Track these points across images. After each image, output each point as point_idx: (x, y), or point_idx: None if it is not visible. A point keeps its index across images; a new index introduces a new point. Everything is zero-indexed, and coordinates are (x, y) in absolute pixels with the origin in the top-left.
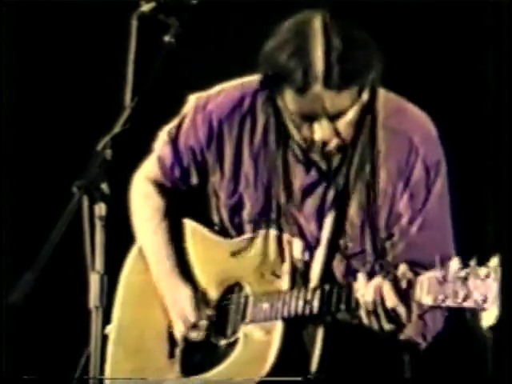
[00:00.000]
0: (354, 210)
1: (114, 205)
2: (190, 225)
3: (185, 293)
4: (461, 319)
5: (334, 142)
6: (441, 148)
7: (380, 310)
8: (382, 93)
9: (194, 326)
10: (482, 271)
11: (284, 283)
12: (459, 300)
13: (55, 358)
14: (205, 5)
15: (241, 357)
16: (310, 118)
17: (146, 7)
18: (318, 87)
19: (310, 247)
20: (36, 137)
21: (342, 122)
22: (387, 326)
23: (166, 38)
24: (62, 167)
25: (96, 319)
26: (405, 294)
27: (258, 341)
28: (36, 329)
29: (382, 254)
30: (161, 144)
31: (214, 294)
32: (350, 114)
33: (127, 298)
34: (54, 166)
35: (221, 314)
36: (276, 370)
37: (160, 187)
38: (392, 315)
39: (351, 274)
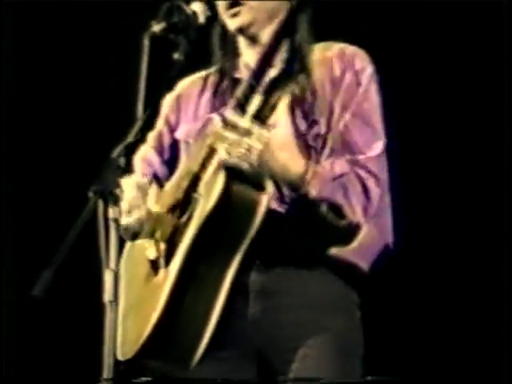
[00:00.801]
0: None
1: None
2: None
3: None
4: None
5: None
6: (371, 65)
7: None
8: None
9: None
10: None
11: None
12: None
13: (69, 353)
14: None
15: (202, 202)
16: None
17: (156, 28)
18: None
19: None
20: (57, 146)
21: None
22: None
23: (176, 56)
24: (79, 173)
25: (110, 313)
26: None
27: (211, 176)
28: (51, 323)
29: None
30: (142, 155)
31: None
32: None
33: (124, 286)
34: (71, 173)
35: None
36: None
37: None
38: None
39: None
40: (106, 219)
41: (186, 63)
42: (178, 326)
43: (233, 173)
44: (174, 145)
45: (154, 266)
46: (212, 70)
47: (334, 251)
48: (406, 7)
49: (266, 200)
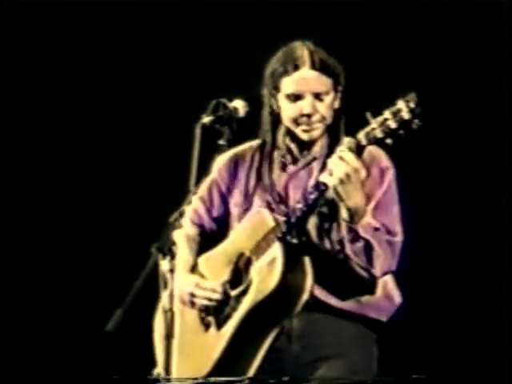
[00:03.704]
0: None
1: None
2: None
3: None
4: None
5: (317, 116)
6: (391, 167)
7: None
8: None
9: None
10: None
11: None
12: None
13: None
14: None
15: (256, 284)
16: (298, 97)
17: (206, 120)
18: (305, 68)
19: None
20: (125, 213)
21: (321, 103)
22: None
23: (221, 142)
24: (143, 235)
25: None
26: None
27: (266, 265)
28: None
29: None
30: (192, 206)
31: (227, 274)
32: (328, 99)
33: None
34: (139, 235)
35: (235, 277)
36: (283, 277)
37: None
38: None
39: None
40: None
41: (228, 148)
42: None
43: (288, 264)
44: (224, 209)
45: (203, 320)
46: (257, 142)
47: (356, 307)
48: (406, 7)
49: (309, 288)
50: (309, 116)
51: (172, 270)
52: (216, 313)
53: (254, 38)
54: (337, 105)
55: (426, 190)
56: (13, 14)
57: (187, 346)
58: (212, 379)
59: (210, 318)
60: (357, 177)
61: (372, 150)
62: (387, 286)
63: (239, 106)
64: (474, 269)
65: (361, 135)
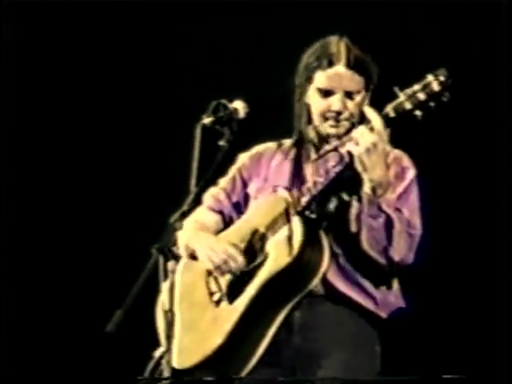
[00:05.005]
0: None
1: None
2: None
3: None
4: None
5: (345, 114)
6: (412, 167)
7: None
8: None
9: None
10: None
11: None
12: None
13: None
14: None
15: (273, 257)
16: (329, 92)
17: (206, 120)
18: (340, 65)
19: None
20: (126, 215)
21: (352, 102)
22: None
23: (221, 143)
24: (144, 235)
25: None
26: None
27: (283, 239)
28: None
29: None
30: (212, 193)
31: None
32: (358, 98)
33: (179, 300)
34: (139, 236)
35: (249, 253)
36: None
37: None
38: None
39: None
40: (166, 270)
41: (228, 149)
42: (234, 349)
43: (306, 239)
44: (244, 194)
45: (212, 296)
46: (289, 140)
47: (360, 297)
48: (406, 7)
49: (326, 264)
50: (338, 113)
51: (173, 272)
52: (230, 287)
53: (254, 38)
54: (366, 103)
55: (443, 193)
56: (13, 13)
57: (195, 321)
58: (211, 379)
59: (221, 295)
60: (383, 148)
61: (394, 152)
62: (396, 288)
63: (239, 106)
64: (477, 269)
65: (389, 108)
